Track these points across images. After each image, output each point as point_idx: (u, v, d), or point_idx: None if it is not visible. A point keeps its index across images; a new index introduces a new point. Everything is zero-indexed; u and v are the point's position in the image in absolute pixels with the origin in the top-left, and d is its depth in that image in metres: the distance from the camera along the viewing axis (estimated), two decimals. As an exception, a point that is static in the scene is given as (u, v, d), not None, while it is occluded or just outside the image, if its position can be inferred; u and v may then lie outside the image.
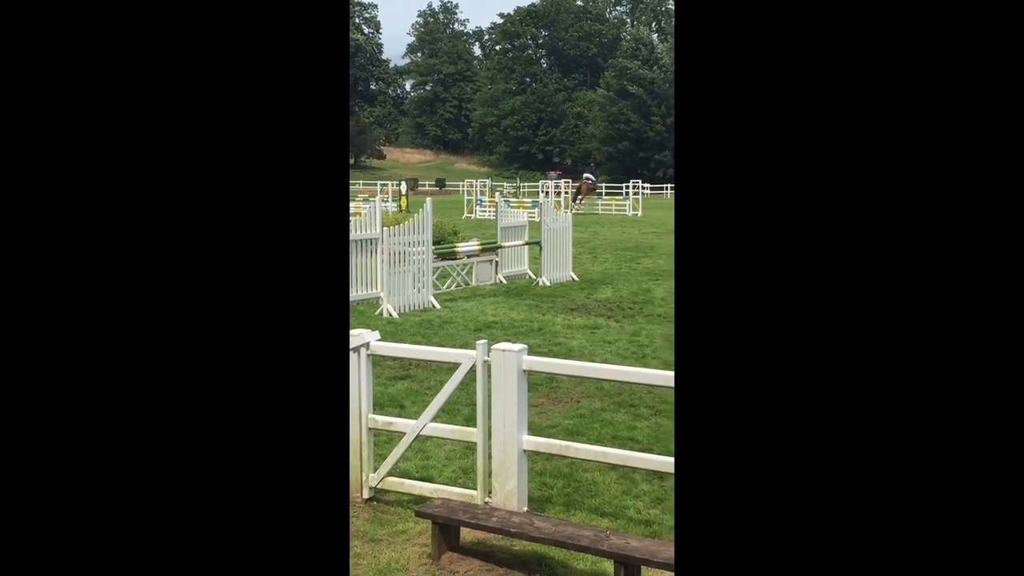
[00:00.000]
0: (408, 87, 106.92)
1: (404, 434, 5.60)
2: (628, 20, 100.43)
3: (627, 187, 40.99)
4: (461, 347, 6.59)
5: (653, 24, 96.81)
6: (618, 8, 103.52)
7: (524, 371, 5.09)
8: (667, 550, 4.37)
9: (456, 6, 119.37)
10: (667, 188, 67.15)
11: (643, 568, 4.42)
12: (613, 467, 5.90)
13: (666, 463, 5.29)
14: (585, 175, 39.66)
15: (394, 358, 7.81)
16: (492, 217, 21.72)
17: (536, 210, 19.63)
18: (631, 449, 6.20)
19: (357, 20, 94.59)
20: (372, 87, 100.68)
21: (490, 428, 5.17)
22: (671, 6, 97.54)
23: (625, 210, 38.98)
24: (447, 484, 5.65)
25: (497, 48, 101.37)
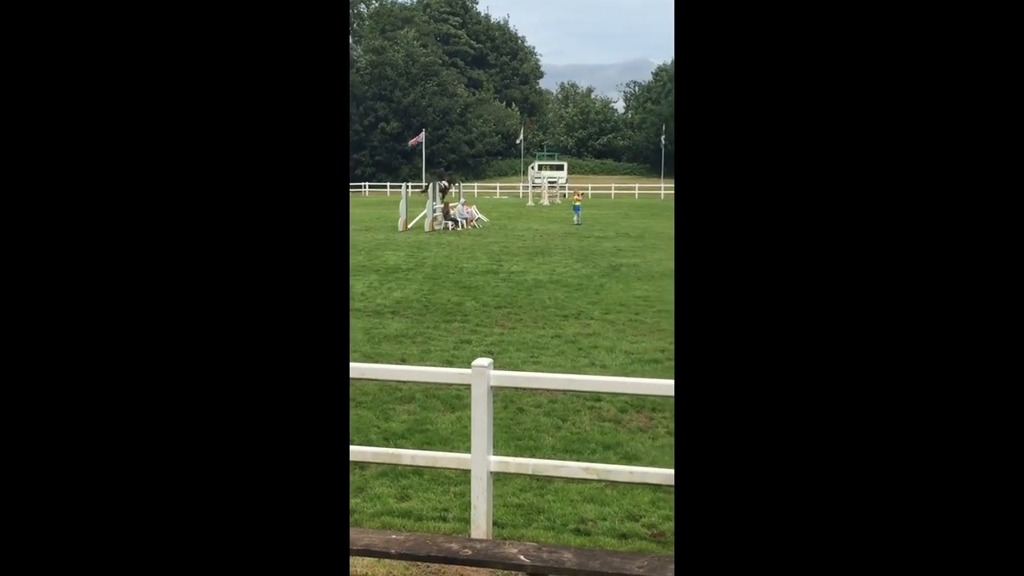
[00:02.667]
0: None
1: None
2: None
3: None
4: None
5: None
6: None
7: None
8: (365, 536, 4.40)
9: None
10: (365, 186, 67.42)
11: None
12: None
13: (364, 452, 5.32)
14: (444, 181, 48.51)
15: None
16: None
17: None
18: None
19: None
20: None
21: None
22: (363, 8, 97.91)
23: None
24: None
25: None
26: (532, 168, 71.24)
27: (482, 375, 4.78)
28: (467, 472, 4.96)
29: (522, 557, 4.14)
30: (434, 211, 29.78)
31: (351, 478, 5.77)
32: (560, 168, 71.12)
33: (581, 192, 39.28)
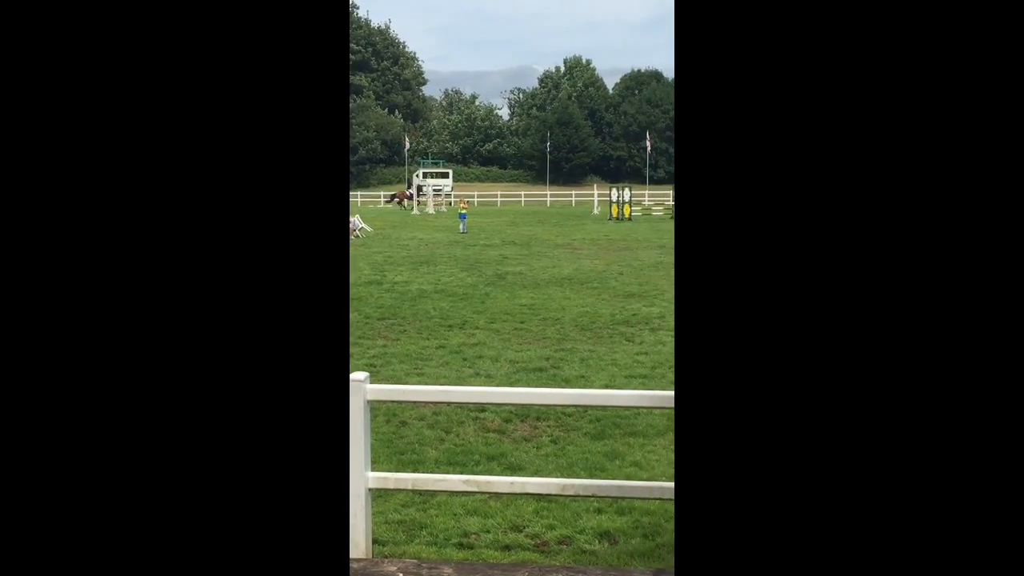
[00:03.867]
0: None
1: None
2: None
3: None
4: None
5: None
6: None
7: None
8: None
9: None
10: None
11: None
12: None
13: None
14: (409, 191, 52.67)
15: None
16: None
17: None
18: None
19: None
20: None
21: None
22: None
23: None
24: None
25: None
26: (417, 176, 71.01)
27: (358, 390, 4.66)
28: (345, 490, 4.83)
29: (401, 574, 4.06)
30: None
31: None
32: (445, 176, 71.08)
33: (467, 200, 39.34)
